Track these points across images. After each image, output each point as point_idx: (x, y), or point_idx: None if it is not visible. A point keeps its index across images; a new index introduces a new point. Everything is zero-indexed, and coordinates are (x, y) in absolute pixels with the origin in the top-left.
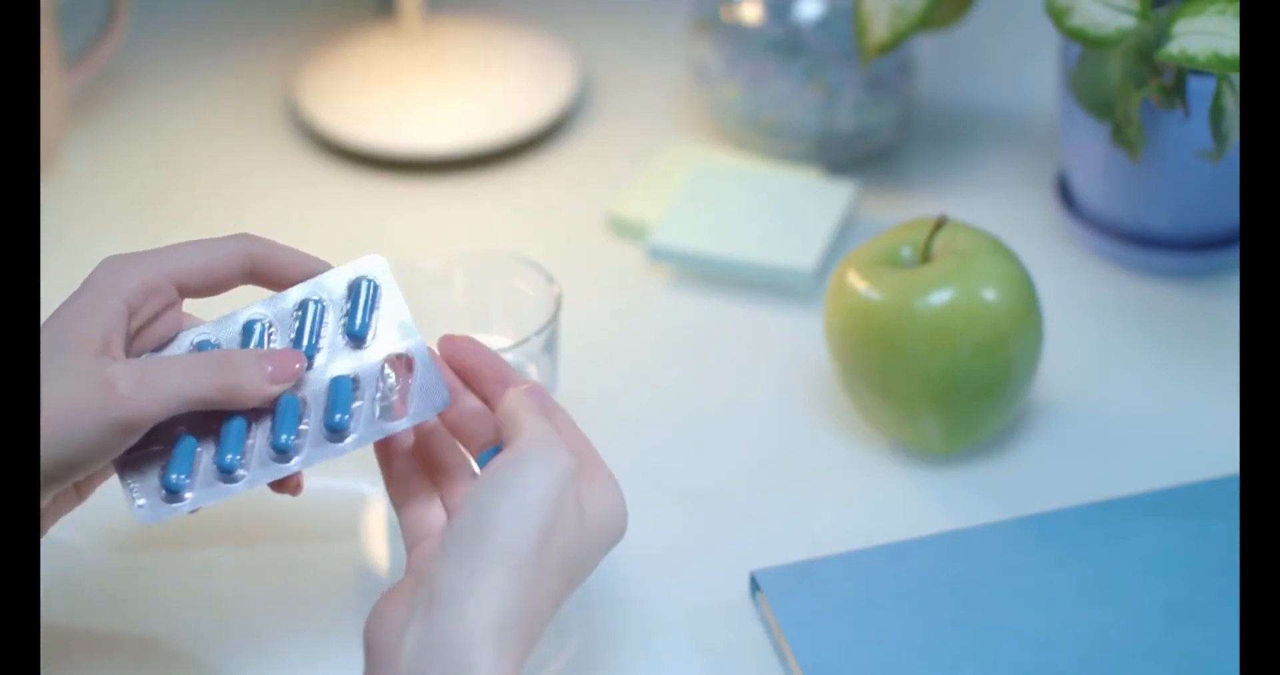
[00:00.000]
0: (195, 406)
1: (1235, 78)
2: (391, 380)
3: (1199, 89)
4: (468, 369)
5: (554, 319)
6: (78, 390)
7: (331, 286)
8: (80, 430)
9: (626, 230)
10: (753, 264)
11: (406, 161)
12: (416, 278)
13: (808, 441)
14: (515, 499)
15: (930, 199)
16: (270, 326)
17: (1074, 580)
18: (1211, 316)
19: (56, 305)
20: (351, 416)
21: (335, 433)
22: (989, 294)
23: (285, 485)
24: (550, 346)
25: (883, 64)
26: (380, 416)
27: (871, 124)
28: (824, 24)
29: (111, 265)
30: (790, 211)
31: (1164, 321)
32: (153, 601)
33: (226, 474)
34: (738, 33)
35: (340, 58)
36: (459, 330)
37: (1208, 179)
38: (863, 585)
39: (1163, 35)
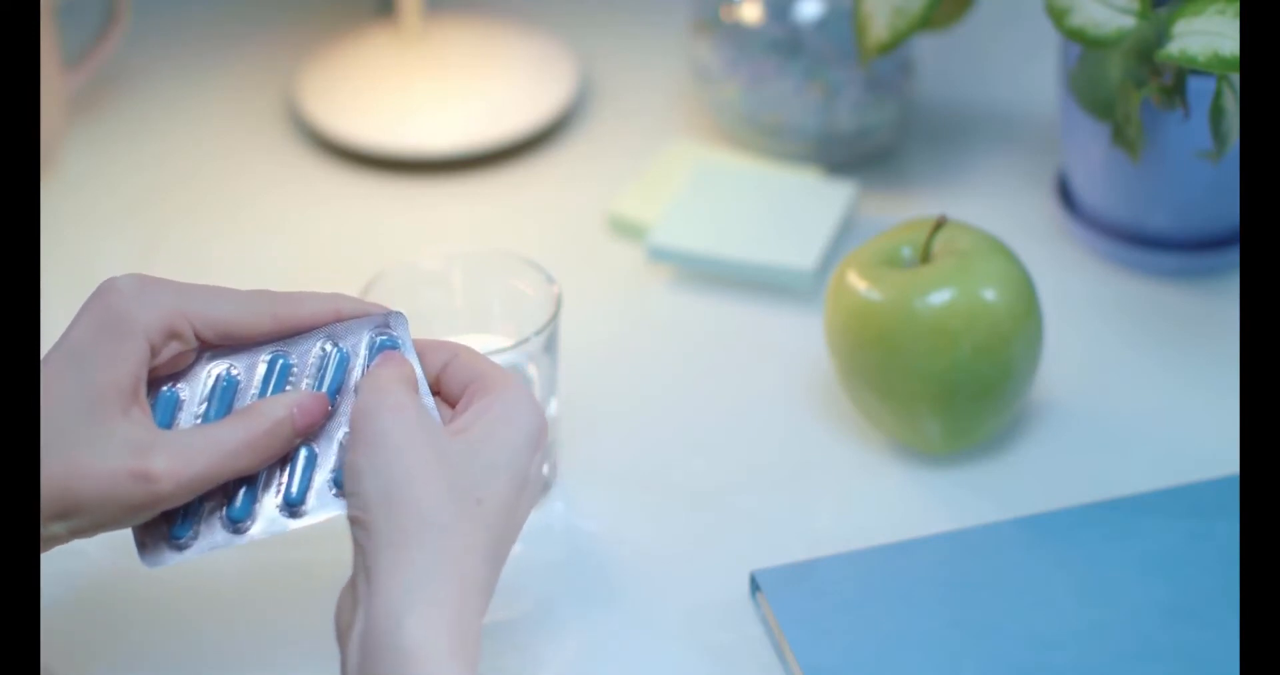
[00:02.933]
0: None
1: (1235, 78)
2: None
3: (1199, 89)
4: None
5: (554, 319)
6: (111, 473)
7: (354, 336)
8: (106, 511)
9: (626, 230)
10: (753, 264)
11: (406, 161)
12: (416, 278)
13: (808, 441)
14: (406, 461)
15: (930, 199)
16: (294, 366)
17: (1074, 580)
18: (1211, 316)
19: (55, 306)
20: None
21: (343, 488)
22: (989, 294)
23: None
24: (550, 346)
25: (883, 64)
26: None
27: (871, 124)
28: (824, 24)
29: (130, 292)
30: (790, 211)
31: (1164, 321)
32: (153, 601)
33: (234, 525)
34: (738, 33)
35: (340, 58)
36: (459, 330)
37: (1208, 179)
38: (863, 585)
39: (1163, 35)
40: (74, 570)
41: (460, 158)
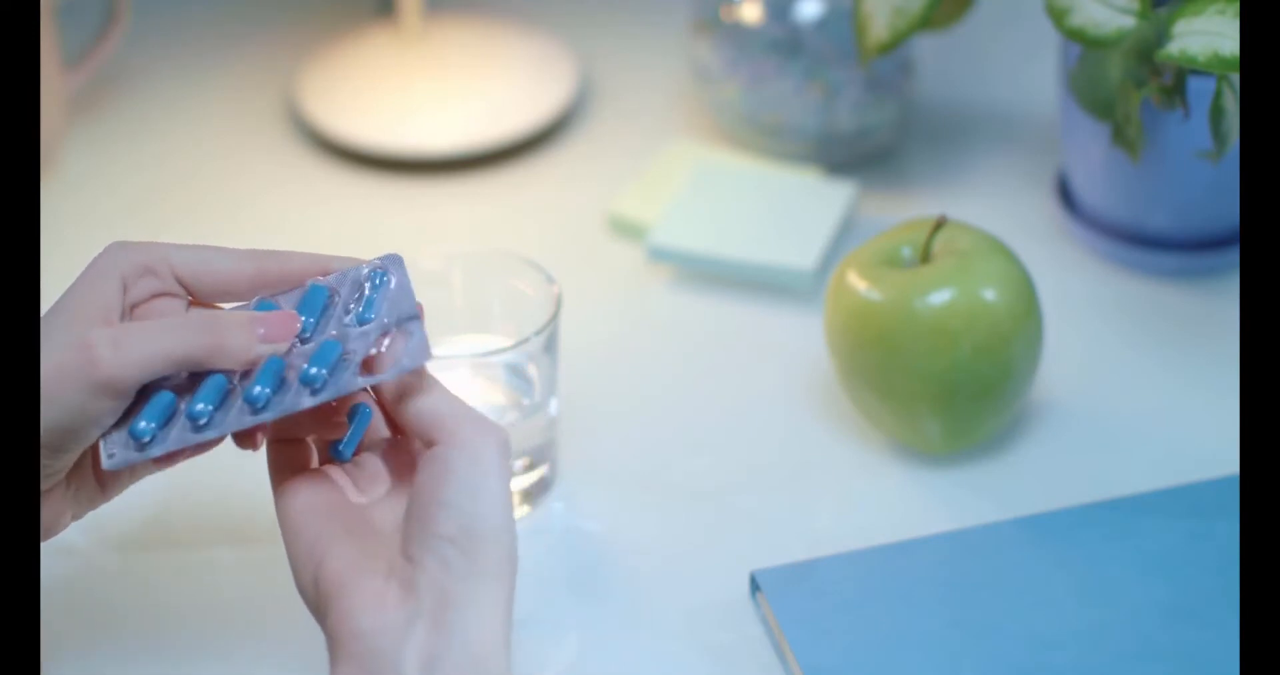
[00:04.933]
0: (179, 366)
1: (1235, 78)
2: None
3: (1199, 89)
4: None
5: (554, 319)
6: (59, 355)
7: (342, 280)
8: (61, 394)
9: (626, 230)
10: (753, 264)
11: (406, 161)
12: (416, 278)
13: (808, 441)
14: (495, 502)
15: (930, 199)
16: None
17: (1074, 580)
18: (1211, 316)
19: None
20: (330, 372)
21: (308, 385)
22: (989, 294)
23: (246, 440)
24: (550, 346)
25: (883, 64)
26: (355, 372)
27: (871, 124)
28: (824, 24)
29: (114, 247)
30: (790, 211)
31: (1164, 321)
32: (153, 601)
33: (194, 422)
34: (738, 33)
35: (340, 58)
36: (459, 330)
37: (1208, 179)
38: (863, 585)
39: (1163, 35)
40: (73, 570)
41: (460, 158)
